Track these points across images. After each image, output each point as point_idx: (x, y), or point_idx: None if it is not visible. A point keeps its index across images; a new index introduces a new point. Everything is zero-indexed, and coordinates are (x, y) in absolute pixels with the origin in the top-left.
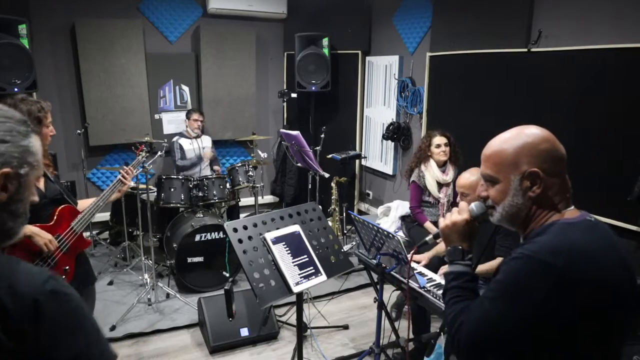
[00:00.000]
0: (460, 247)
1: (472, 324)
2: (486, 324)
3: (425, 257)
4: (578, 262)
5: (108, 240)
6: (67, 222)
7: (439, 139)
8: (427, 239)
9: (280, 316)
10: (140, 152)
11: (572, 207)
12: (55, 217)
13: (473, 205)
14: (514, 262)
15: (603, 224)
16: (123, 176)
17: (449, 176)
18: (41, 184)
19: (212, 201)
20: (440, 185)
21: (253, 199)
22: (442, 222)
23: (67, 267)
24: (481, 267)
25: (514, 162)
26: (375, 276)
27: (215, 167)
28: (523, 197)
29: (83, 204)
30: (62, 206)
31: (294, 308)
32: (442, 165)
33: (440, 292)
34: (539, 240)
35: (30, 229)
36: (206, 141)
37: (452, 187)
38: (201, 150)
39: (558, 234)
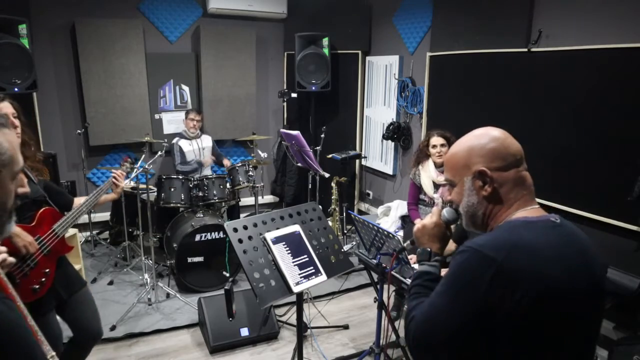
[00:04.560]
0: (428, 249)
1: (421, 319)
2: (432, 317)
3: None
4: (520, 258)
5: (108, 240)
6: (49, 224)
7: (435, 139)
8: (404, 244)
9: (280, 316)
10: (125, 163)
11: (536, 206)
12: (36, 219)
13: (445, 210)
14: (460, 255)
15: (570, 226)
16: (115, 178)
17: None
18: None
19: (212, 201)
20: (437, 185)
21: (253, 199)
22: (416, 226)
23: (47, 270)
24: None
25: (465, 164)
26: (375, 276)
27: (225, 162)
28: (477, 197)
29: (80, 201)
30: (44, 208)
31: (294, 308)
32: (440, 166)
33: None
34: (488, 234)
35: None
36: (206, 141)
37: None
38: (201, 152)
39: (507, 230)
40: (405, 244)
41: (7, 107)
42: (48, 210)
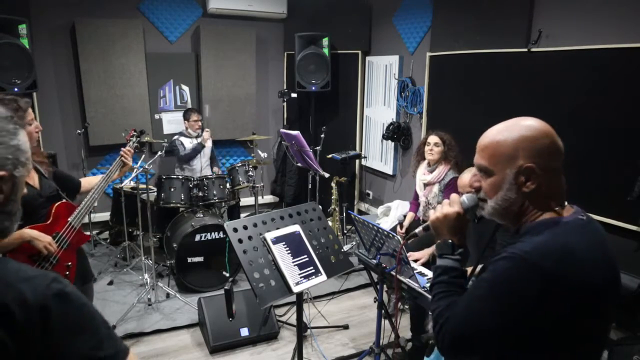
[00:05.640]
0: (450, 241)
1: (457, 321)
2: (472, 321)
3: (425, 254)
4: (568, 265)
5: (108, 240)
6: (64, 218)
7: (430, 138)
8: (416, 230)
9: (280, 316)
10: (131, 139)
11: (566, 205)
12: (52, 215)
13: (464, 197)
14: (505, 261)
15: (594, 222)
16: (124, 155)
17: (429, 176)
18: (36, 182)
19: (212, 201)
20: (424, 185)
21: (253, 199)
22: (433, 215)
23: (70, 263)
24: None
25: (511, 155)
26: (375, 276)
27: (215, 169)
28: (517, 193)
29: (87, 182)
30: (58, 203)
31: (294, 308)
32: (433, 165)
33: None
34: (532, 241)
35: (29, 233)
36: (208, 134)
37: (446, 188)
38: (202, 151)
39: (551, 234)
40: (417, 230)
41: (30, 114)
42: (62, 204)
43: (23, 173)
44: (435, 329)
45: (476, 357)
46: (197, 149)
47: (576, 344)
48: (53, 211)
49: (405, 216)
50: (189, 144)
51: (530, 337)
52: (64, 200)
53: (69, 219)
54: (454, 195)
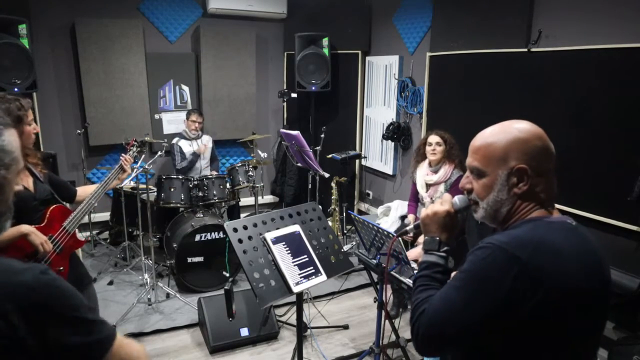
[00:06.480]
0: (437, 238)
1: (434, 313)
2: (449, 313)
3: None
4: (543, 258)
5: (108, 240)
6: (59, 222)
7: (431, 138)
8: (407, 228)
9: (280, 316)
10: (131, 148)
11: (555, 209)
12: (46, 218)
13: (456, 198)
14: (481, 251)
15: (583, 229)
16: (123, 162)
17: (435, 177)
18: (30, 185)
19: (212, 201)
20: (428, 185)
21: (253, 199)
22: (424, 212)
23: (62, 268)
24: None
25: (503, 156)
26: (375, 276)
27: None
28: (508, 194)
29: (84, 190)
30: (53, 206)
31: (294, 308)
32: (435, 165)
33: None
34: (511, 233)
35: (26, 227)
36: (206, 141)
37: (452, 187)
38: (202, 153)
39: (531, 229)
40: (408, 228)
41: (30, 114)
42: (57, 208)
43: (6, 175)
44: (412, 321)
45: (448, 351)
46: (193, 161)
47: (551, 345)
48: (47, 214)
49: (403, 219)
50: (188, 147)
51: (503, 332)
52: (59, 204)
53: (63, 224)
54: (446, 195)
